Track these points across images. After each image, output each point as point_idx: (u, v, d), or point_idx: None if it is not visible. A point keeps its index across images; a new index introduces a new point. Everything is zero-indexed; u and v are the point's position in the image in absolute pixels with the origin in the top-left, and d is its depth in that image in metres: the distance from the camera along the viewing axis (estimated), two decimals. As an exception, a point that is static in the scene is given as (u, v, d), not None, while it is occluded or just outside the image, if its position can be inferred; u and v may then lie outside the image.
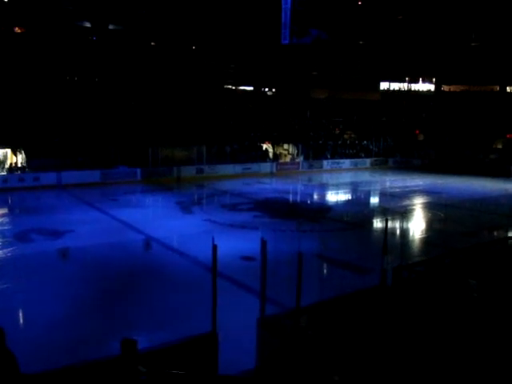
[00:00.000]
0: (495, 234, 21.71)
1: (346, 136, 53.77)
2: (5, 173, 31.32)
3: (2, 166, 32.34)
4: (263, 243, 7.56)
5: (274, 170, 41.81)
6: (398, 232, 21.23)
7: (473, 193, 32.83)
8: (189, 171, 36.94)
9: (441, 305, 7.42)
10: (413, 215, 25.57)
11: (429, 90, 63.80)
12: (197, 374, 6.86)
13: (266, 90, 59.93)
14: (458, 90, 61.72)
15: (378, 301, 8.26)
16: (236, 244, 16.96)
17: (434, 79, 63.35)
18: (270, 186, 35.53)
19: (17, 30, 44.18)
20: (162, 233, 18.98)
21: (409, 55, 55.98)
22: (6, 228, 20.66)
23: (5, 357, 5.44)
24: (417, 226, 23.29)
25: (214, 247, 7.26)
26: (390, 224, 21.24)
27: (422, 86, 63.99)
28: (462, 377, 5.81)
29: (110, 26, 46.58)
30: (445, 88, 63.47)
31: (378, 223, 23.86)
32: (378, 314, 7.66)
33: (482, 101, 54.85)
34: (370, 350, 6.57)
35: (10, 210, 26.57)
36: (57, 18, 42.07)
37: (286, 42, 33.83)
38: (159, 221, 21.84)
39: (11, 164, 32.51)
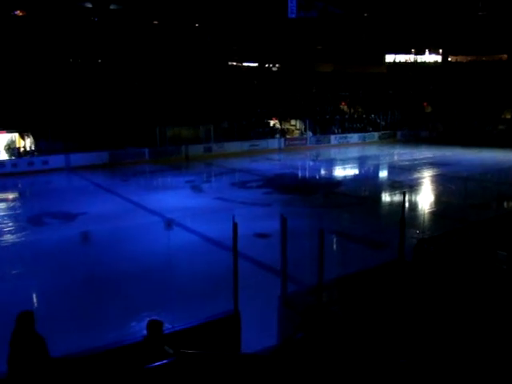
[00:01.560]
0: (509, 205, 21.60)
1: (352, 110, 53.39)
2: (14, 157, 31.34)
3: (10, 150, 32.35)
4: (283, 220, 7.48)
5: (282, 146, 41.64)
6: (409, 205, 21.10)
7: (482, 164, 32.60)
8: (197, 150, 36.83)
9: (468, 278, 7.34)
10: (424, 188, 25.43)
11: (435, 62, 62.88)
12: (221, 354, 6.84)
13: (271, 65, 59.38)
14: (465, 61, 60.87)
15: (400, 275, 8.20)
16: (249, 221, 16.90)
17: (440, 50, 62.44)
18: (278, 162, 35.43)
19: (18, 13, 43.81)
20: (174, 212, 18.92)
21: (414, 26, 55.05)
22: (18, 212, 20.73)
23: (35, 340, 5.52)
24: (428, 198, 23.16)
25: (235, 225, 7.19)
26: (401, 197, 21.11)
27: (429, 58, 63.09)
28: (493, 353, 5.75)
29: (112, 6, 46.02)
30: (452, 59, 62.60)
31: (388, 197, 23.76)
32: (401, 288, 7.60)
33: (489, 70, 54.12)
34: (394, 326, 6.53)
35: (21, 195, 26.61)
36: (57, -1, 41.70)
37: (293, 15, 33.35)
38: (170, 200, 21.79)
39: (19, 148, 32.51)
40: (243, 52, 55.87)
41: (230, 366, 6.28)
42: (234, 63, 55.83)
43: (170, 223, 17.13)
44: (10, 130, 33.00)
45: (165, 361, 5.47)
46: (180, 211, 19.27)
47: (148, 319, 6.00)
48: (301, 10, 33.25)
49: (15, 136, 33.56)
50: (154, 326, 5.83)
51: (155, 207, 20.04)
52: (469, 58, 60.33)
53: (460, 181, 26.25)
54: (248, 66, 57.05)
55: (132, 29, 46.53)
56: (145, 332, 5.91)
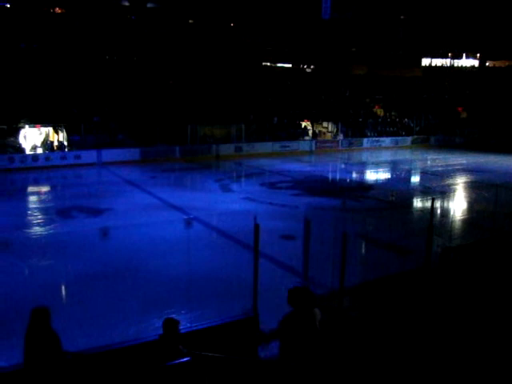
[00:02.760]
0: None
1: (387, 114, 52.78)
2: (47, 151, 31.87)
3: (45, 144, 32.89)
4: (307, 223, 7.38)
5: (314, 148, 41.36)
6: (439, 212, 20.70)
7: (517, 172, 31.85)
8: (227, 149, 36.87)
9: (494, 290, 7.11)
10: (455, 195, 24.94)
11: (472, 66, 61.78)
12: (237, 358, 6.76)
13: (305, 66, 59.10)
14: (504, 66, 59.60)
15: (424, 282, 8.00)
16: (276, 223, 16.83)
17: (478, 55, 61.28)
18: (309, 164, 35.25)
19: (57, 10, 44.62)
20: (201, 211, 18.95)
21: (452, 30, 54.12)
22: (48, 205, 21.02)
23: (50, 337, 5.51)
24: (459, 206, 22.70)
25: (256, 226, 7.11)
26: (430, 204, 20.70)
27: (466, 62, 62.00)
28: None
29: (149, 5, 46.54)
30: (489, 63, 61.37)
31: (419, 203, 23.34)
32: (424, 296, 7.41)
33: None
34: (415, 334, 6.37)
35: (52, 188, 26.98)
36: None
37: (327, 16, 33.14)
38: (199, 199, 21.82)
39: (53, 142, 33.04)
40: (277, 53, 55.71)
41: (244, 372, 6.21)
42: (268, 64, 55.70)
43: (189, 221, 17.15)
44: (44, 124, 33.56)
45: (178, 360, 5.43)
46: (206, 210, 19.30)
47: (164, 317, 5.98)
48: (335, 11, 33.00)
49: (49, 130, 34.11)
50: (170, 325, 5.80)
51: (182, 205, 20.11)
52: (507, 63, 59.05)
53: (493, 188, 25.66)
54: (282, 67, 56.87)
55: (168, 27, 46.89)
56: (161, 331, 5.89)
